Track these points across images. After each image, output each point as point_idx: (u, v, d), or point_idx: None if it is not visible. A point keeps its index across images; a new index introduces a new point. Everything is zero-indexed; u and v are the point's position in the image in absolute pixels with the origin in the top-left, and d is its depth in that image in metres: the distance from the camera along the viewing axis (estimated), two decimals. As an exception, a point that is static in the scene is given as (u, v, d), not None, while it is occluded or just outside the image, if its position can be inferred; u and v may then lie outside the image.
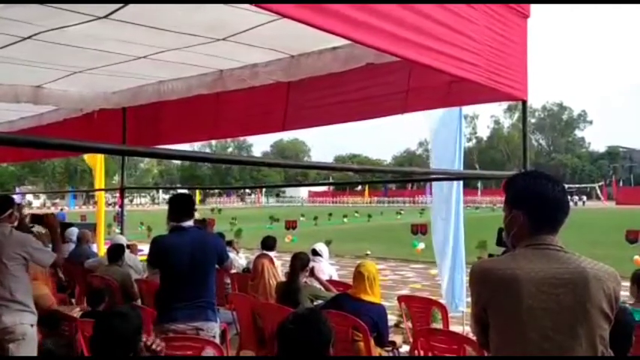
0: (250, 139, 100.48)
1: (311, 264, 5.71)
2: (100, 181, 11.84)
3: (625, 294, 4.40)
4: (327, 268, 6.91)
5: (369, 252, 17.13)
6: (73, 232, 8.07)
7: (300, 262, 5.41)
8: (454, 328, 5.95)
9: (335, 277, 6.93)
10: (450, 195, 6.73)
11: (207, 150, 70.88)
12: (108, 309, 5.16)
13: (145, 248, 7.56)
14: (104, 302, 5.18)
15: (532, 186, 2.07)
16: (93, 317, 4.57)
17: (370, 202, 69.89)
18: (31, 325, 4.10)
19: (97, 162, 11.64)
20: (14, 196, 6.43)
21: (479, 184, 66.33)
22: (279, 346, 2.36)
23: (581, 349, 1.90)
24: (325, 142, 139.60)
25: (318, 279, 5.93)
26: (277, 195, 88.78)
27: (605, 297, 1.93)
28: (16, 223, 4.26)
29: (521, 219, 2.04)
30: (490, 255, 5.49)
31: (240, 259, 8.49)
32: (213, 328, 4.13)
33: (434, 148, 6.97)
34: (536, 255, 1.99)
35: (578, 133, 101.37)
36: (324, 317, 2.50)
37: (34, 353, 4.11)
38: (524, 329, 1.92)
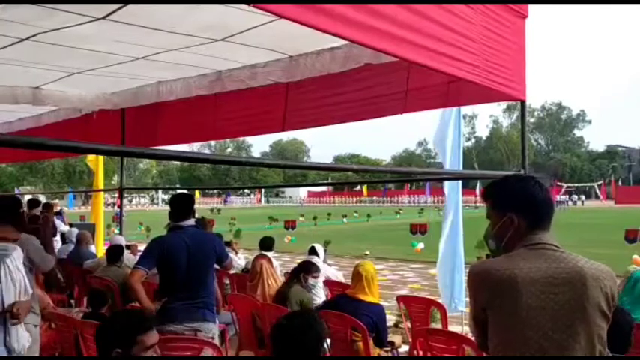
0: (249, 140, 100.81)
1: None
2: (99, 182, 11.85)
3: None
4: (324, 268, 6.93)
5: (367, 252, 17.13)
6: (73, 232, 8.07)
7: (298, 270, 5.55)
8: (453, 327, 5.95)
9: (332, 277, 6.95)
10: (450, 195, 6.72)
11: (207, 150, 70.98)
12: (107, 310, 5.17)
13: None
14: (107, 304, 5.18)
15: (524, 188, 2.12)
16: (95, 319, 4.56)
17: (357, 203, 69.81)
18: (35, 326, 4.10)
19: (96, 162, 11.66)
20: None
21: (477, 185, 66.37)
22: (273, 345, 2.38)
23: (579, 347, 1.91)
24: (324, 142, 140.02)
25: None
26: (277, 195, 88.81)
27: (602, 295, 1.95)
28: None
29: (516, 221, 2.07)
30: (488, 255, 5.48)
31: (239, 260, 8.50)
32: (211, 330, 4.13)
33: (440, 149, 6.88)
34: (534, 254, 2.01)
35: (577, 133, 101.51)
36: (316, 315, 2.54)
37: (37, 353, 4.12)
38: (523, 328, 1.93)
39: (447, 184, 6.98)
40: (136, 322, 2.49)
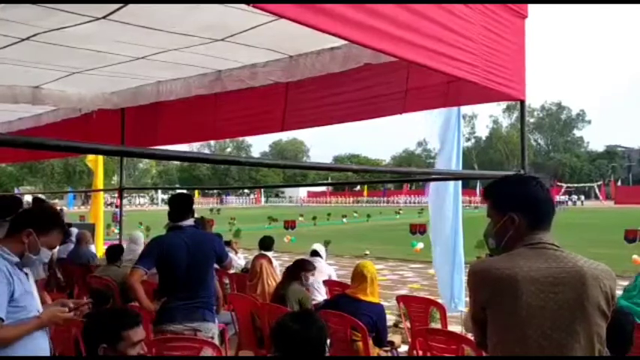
0: (249, 140, 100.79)
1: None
2: (98, 182, 11.85)
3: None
4: (325, 268, 6.93)
5: (367, 252, 17.14)
6: (72, 232, 8.07)
7: (295, 268, 5.53)
8: (453, 327, 5.95)
9: (334, 277, 6.95)
10: (446, 195, 6.72)
11: (206, 150, 70.96)
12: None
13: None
14: (109, 304, 5.18)
15: (525, 189, 2.13)
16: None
17: (354, 203, 69.70)
18: None
19: (95, 162, 11.67)
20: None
21: (477, 184, 66.36)
22: (274, 345, 2.37)
23: (579, 346, 1.92)
24: (324, 142, 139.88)
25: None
26: (277, 195, 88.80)
27: (602, 294, 1.95)
28: None
29: (517, 221, 2.07)
30: (488, 254, 5.49)
31: (239, 260, 8.50)
32: (210, 329, 4.13)
33: (436, 148, 6.92)
34: (534, 254, 2.01)
35: (577, 133, 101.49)
36: (316, 315, 2.53)
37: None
38: (523, 328, 1.93)
39: (432, 185, 7.03)
40: (121, 317, 2.52)
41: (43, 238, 2.86)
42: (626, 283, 4.64)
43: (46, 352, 2.83)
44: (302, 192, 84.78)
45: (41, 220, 2.92)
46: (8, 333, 2.61)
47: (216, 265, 4.52)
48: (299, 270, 5.55)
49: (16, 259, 2.78)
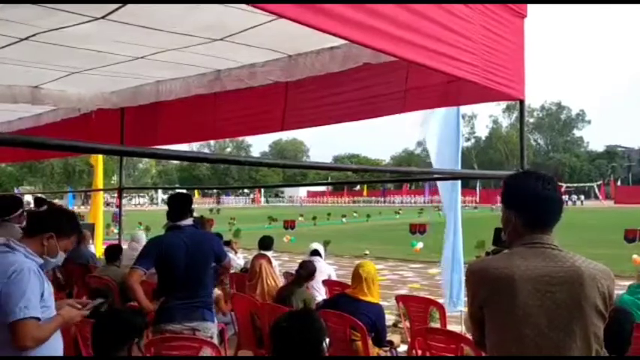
0: (249, 139, 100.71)
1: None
2: (98, 181, 11.86)
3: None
4: (325, 267, 6.94)
5: (367, 252, 17.13)
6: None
7: (306, 272, 5.54)
8: (452, 327, 5.96)
9: (333, 277, 6.95)
10: (450, 195, 6.72)
11: (206, 150, 70.83)
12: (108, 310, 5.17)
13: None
14: (109, 303, 5.18)
15: (522, 186, 2.11)
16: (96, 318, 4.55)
17: (351, 202, 69.53)
18: None
19: (96, 162, 11.69)
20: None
21: (477, 184, 66.37)
22: (272, 344, 2.38)
23: (575, 346, 1.92)
24: (324, 142, 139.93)
25: None
26: (276, 195, 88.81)
27: (599, 295, 1.95)
28: (24, 224, 4.24)
29: (513, 219, 2.08)
30: (487, 253, 5.50)
31: (238, 260, 8.50)
32: (209, 329, 4.13)
33: (433, 148, 6.90)
34: (532, 253, 2.01)
35: (577, 133, 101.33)
36: (316, 315, 2.53)
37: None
38: (520, 327, 1.93)
39: (440, 185, 6.99)
40: (144, 316, 2.71)
41: (62, 242, 2.90)
42: (626, 282, 4.65)
43: (61, 351, 2.88)
44: (302, 192, 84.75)
45: (63, 224, 2.95)
46: (44, 333, 2.67)
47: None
48: (310, 277, 5.58)
49: (40, 260, 2.81)
